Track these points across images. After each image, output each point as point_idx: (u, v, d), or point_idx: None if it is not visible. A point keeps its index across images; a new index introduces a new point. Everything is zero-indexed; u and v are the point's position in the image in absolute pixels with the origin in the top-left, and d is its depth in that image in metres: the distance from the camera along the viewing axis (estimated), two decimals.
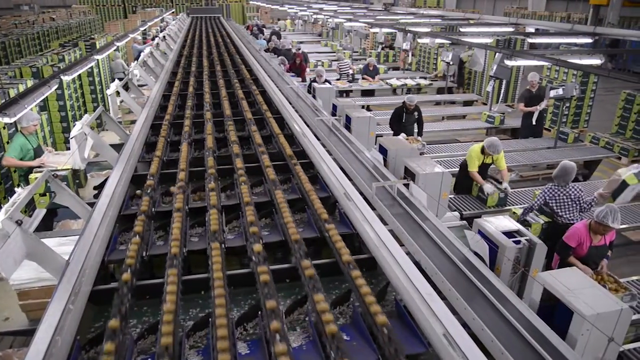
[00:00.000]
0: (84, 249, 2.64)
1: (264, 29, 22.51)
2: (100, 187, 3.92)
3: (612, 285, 4.10)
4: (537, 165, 8.02)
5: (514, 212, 5.38)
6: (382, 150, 4.84)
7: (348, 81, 12.41)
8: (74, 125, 5.42)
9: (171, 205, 3.28)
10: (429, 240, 2.94)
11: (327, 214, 3.10)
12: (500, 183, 6.15)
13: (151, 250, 2.96)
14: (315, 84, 7.97)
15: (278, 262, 3.02)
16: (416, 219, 3.18)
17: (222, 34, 14.95)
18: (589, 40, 11.78)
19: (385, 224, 3.14)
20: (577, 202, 5.08)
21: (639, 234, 6.32)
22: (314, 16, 21.34)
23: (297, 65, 12.27)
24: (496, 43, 12.44)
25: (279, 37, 17.60)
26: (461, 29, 14.20)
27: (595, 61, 8.41)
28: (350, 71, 12.67)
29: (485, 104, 11.43)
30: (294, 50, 13.35)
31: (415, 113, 8.06)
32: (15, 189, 4.55)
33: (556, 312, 2.60)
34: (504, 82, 10.30)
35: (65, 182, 4.83)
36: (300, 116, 5.59)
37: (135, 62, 10.28)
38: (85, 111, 10.54)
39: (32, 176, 4.89)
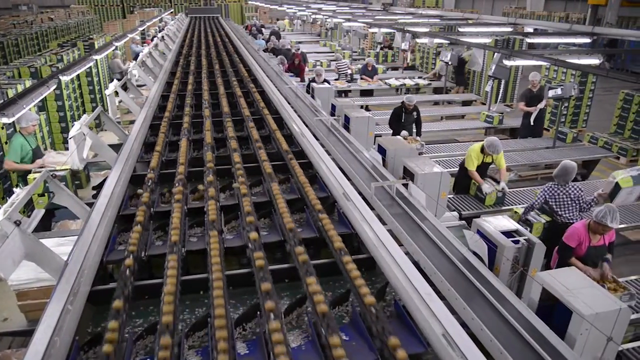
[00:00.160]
0: (83, 249, 2.64)
1: (262, 29, 22.50)
2: (99, 188, 3.91)
3: (610, 284, 4.11)
4: (535, 165, 8.03)
5: (516, 212, 5.40)
6: (381, 150, 4.84)
7: (346, 81, 12.42)
8: (72, 126, 5.42)
9: (170, 206, 3.28)
10: (428, 240, 2.94)
11: (324, 209, 3.11)
12: (499, 183, 6.16)
13: (150, 250, 2.96)
14: (314, 84, 7.97)
15: (277, 262, 3.02)
16: (415, 219, 3.18)
17: (220, 33, 14.96)
18: (587, 40, 11.80)
19: (384, 223, 3.14)
20: (577, 202, 5.08)
21: (638, 233, 6.33)
22: (313, 16, 21.34)
23: (295, 65, 12.27)
24: (495, 43, 12.46)
25: (278, 37, 17.59)
26: (460, 29, 14.20)
27: (594, 61, 8.43)
28: (349, 71, 12.67)
29: (484, 104, 11.45)
30: (293, 51, 13.34)
31: (414, 113, 8.07)
32: (14, 189, 4.54)
33: (555, 311, 2.60)
34: (503, 82, 10.31)
35: (64, 183, 4.82)
36: (299, 116, 5.59)
37: (134, 62, 10.28)
38: (84, 111, 10.52)
39: (30, 176, 4.89)
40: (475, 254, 2.93)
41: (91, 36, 15.12)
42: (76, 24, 23.77)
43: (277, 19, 30.53)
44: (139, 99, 7.95)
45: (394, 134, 7.75)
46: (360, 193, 3.56)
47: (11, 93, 6.56)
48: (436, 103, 12.60)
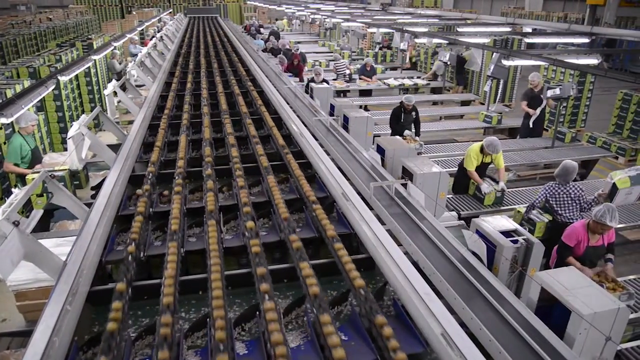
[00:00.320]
0: (82, 250, 2.64)
1: (261, 28, 22.50)
2: (97, 188, 3.91)
3: (609, 284, 4.11)
4: (534, 165, 8.04)
5: (519, 211, 5.42)
6: (380, 150, 4.84)
7: (345, 81, 12.42)
8: (71, 126, 5.42)
9: (169, 206, 3.28)
10: (426, 240, 2.94)
11: (323, 209, 3.12)
12: (497, 183, 6.17)
13: (149, 250, 2.95)
14: (312, 84, 7.97)
15: (276, 263, 3.02)
16: (414, 218, 3.18)
17: (219, 33, 14.95)
18: (585, 40, 11.82)
19: (383, 223, 3.14)
20: (578, 202, 5.10)
21: (636, 233, 6.34)
22: (312, 16, 21.34)
23: (294, 65, 12.28)
24: (493, 43, 12.47)
25: (277, 38, 17.59)
26: (458, 29, 14.22)
27: (592, 61, 8.44)
28: (347, 71, 12.67)
29: (483, 104, 11.46)
30: (292, 51, 13.34)
31: (413, 113, 8.08)
32: (13, 189, 4.54)
33: (554, 311, 2.61)
34: (502, 82, 10.32)
35: (63, 183, 4.81)
36: (298, 116, 5.59)
37: (132, 62, 10.27)
38: (83, 111, 10.51)
39: (29, 177, 4.88)
40: (474, 253, 2.93)
41: (90, 36, 15.10)
42: (75, 24, 23.73)
43: (276, 19, 30.53)
44: (138, 99, 7.94)
45: (393, 134, 7.76)
46: (359, 193, 3.56)
47: (10, 93, 6.55)
48: (435, 103, 12.61)
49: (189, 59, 9.58)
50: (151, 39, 14.96)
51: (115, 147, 4.97)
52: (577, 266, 4.16)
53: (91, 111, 7.43)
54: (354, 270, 2.45)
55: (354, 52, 17.99)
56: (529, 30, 13.87)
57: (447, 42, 11.26)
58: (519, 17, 20.61)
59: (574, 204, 5.10)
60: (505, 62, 8.56)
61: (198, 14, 23.64)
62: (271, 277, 2.42)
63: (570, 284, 2.62)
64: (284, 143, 4.51)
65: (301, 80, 11.42)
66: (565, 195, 5.08)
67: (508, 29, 14.06)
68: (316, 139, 4.79)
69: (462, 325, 2.20)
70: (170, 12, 28.33)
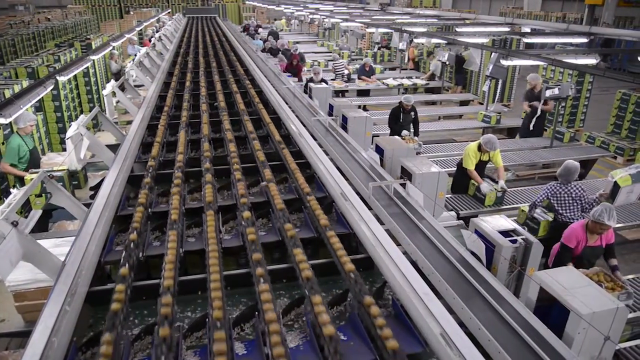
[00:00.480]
0: (80, 250, 2.63)
1: (259, 28, 22.48)
2: (96, 188, 3.90)
3: (608, 283, 4.12)
4: (533, 165, 8.05)
5: (523, 210, 5.45)
6: (379, 150, 4.85)
7: (344, 81, 12.42)
8: (69, 126, 5.41)
9: (168, 206, 3.29)
10: (425, 240, 2.94)
11: (322, 209, 3.12)
12: (497, 182, 6.18)
13: (148, 250, 2.95)
14: (311, 84, 7.97)
15: (275, 263, 3.02)
16: (413, 218, 3.18)
17: (217, 33, 14.94)
18: (584, 40, 11.83)
19: (382, 223, 3.14)
20: (579, 202, 5.11)
21: (635, 232, 6.35)
22: (311, 16, 21.33)
23: (293, 65, 12.28)
24: (492, 43, 12.48)
25: (276, 38, 17.58)
26: (457, 29, 14.23)
27: (591, 61, 8.46)
28: (346, 71, 12.68)
29: (482, 104, 11.47)
30: (291, 51, 13.34)
31: (412, 113, 8.08)
32: (11, 189, 4.53)
33: (553, 310, 2.61)
34: (500, 81, 10.33)
35: (62, 183, 4.81)
36: (297, 116, 5.59)
37: (130, 62, 10.26)
38: (81, 112, 10.50)
39: (28, 177, 4.88)
40: (473, 253, 2.94)
41: (88, 36, 15.08)
42: (73, 24, 23.71)
43: (274, 19, 30.52)
44: (137, 99, 7.94)
45: (392, 134, 7.76)
46: (358, 193, 3.56)
47: (8, 93, 6.54)
48: (433, 103, 12.62)
49: (187, 58, 9.57)
50: (150, 40, 14.95)
51: (114, 148, 4.95)
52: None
53: (90, 111, 7.43)
54: (347, 260, 2.54)
55: (353, 52, 18.00)
56: (528, 30, 13.88)
57: (445, 42, 11.28)
58: (518, 17, 20.62)
59: (575, 204, 5.11)
60: (504, 62, 8.57)
61: (197, 14, 23.61)
62: (270, 278, 2.42)
63: (569, 283, 2.62)
64: (280, 138, 4.62)
65: (300, 80, 11.42)
66: (566, 195, 5.10)
67: (507, 29, 14.07)
68: (315, 139, 4.80)
69: (461, 325, 2.20)
70: (168, 12, 28.31)
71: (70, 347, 2.09)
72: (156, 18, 22.45)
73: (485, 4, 29.13)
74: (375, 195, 3.51)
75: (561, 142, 8.51)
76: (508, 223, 3.63)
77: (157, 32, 15.97)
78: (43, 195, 4.16)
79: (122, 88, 7.71)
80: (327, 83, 9.20)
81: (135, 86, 8.90)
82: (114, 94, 7.45)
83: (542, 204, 5.29)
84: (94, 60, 9.50)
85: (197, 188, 3.80)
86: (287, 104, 6.12)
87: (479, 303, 2.37)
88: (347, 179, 3.82)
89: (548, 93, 8.21)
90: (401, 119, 8.05)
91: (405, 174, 4.39)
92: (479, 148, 6.06)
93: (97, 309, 2.56)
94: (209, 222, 2.92)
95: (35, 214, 4.34)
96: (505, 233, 3.49)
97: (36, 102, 5.83)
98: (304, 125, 5.24)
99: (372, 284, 2.86)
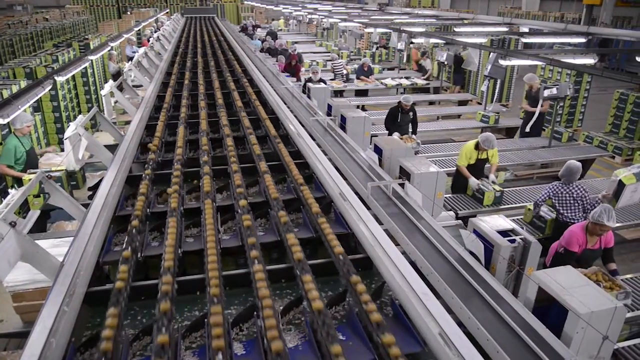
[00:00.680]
0: (79, 251, 2.63)
1: (258, 28, 22.47)
2: (94, 188, 3.90)
3: (606, 283, 4.12)
4: (531, 165, 8.05)
5: (529, 209, 5.50)
6: (377, 150, 4.85)
7: (342, 81, 12.42)
8: (68, 126, 5.39)
9: (166, 206, 3.29)
10: (424, 240, 2.95)
11: (321, 209, 3.12)
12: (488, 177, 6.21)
13: (146, 251, 2.95)
14: (310, 84, 7.96)
15: (274, 263, 3.02)
16: (411, 218, 3.18)
17: (216, 33, 14.93)
18: (582, 40, 11.84)
19: (380, 223, 3.14)
20: (580, 202, 5.11)
21: (633, 232, 6.36)
22: (309, 16, 21.32)
23: (292, 65, 12.28)
24: (490, 43, 12.48)
25: (275, 38, 17.57)
26: (455, 29, 14.23)
27: (589, 61, 8.46)
28: (344, 71, 12.67)
29: (480, 104, 11.47)
30: (289, 51, 13.33)
31: (410, 113, 8.08)
32: (9, 190, 4.52)
33: (551, 310, 2.61)
34: (499, 81, 10.33)
35: (60, 184, 4.80)
36: (295, 116, 5.59)
37: (127, 63, 10.25)
38: (80, 112, 10.48)
39: (26, 177, 4.86)
40: (471, 253, 2.94)
41: (86, 36, 15.05)
42: (71, 24, 23.67)
43: (272, 19, 30.49)
44: (135, 99, 7.93)
45: (390, 134, 7.76)
46: (356, 193, 3.56)
47: (6, 94, 6.53)
48: (431, 103, 12.62)
49: (186, 58, 9.57)
50: (148, 40, 14.93)
51: (112, 148, 4.95)
52: None
53: (88, 111, 7.42)
54: (337, 244, 2.70)
55: (352, 52, 18.00)
56: (526, 30, 13.89)
57: (444, 42, 11.27)
58: (516, 17, 20.65)
59: (576, 204, 5.12)
60: (502, 62, 8.57)
61: (195, 14, 23.61)
62: (269, 279, 2.42)
63: (568, 283, 2.62)
64: (276, 133, 4.83)
65: (298, 80, 11.42)
66: (567, 195, 5.10)
67: (505, 29, 14.07)
68: (314, 139, 4.79)
69: (460, 324, 2.20)
70: (167, 12, 28.26)
71: (68, 347, 2.09)
72: (154, 18, 22.41)
73: (483, 3, 29.15)
74: (374, 195, 3.51)
75: (559, 142, 8.51)
76: (506, 223, 3.63)
77: (156, 32, 15.95)
78: (41, 195, 4.15)
79: (120, 88, 7.70)
80: (325, 83, 9.20)
81: (134, 86, 8.89)
82: (112, 94, 7.44)
83: (540, 203, 5.30)
84: (92, 60, 9.48)
85: (195, 188, 3.80)
86: (285, 104, 6.12)
87: (478, 303, 2.37)
88: (345, 179, 3.82)
89: (546, 93, 8.21)
90: (399, 119, 8.04)
91: (404, 174, 4.39)
92: (477, 146, 6.09)
93: (96, 309, 2.56)
94: (207, 211, 3.09)
95: (34, 214, 4.33)
96: (504, 233, 3.48)
97: (34, 102, 5.82)
98: (303, 125, 5.24)
99: (370, 284, 2.86)
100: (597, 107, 12.23)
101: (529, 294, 2.79)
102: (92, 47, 11.73)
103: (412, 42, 13.40)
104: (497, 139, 6.37)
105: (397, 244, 2.89)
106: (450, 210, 5.75)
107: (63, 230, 4.50)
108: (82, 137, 4.92)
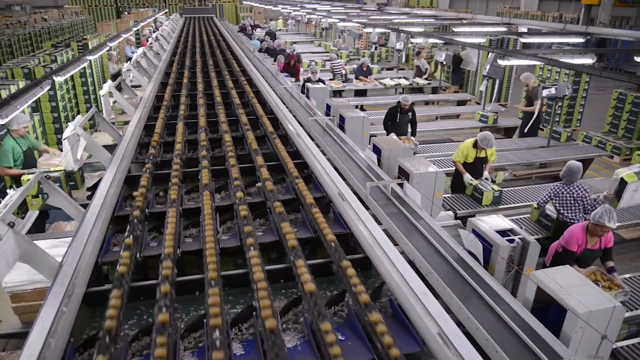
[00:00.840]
0: (78, 251, 2.63)
1: (257, 28, 22.45)
2: (93, 189, 3.89)
3: (605, 282, 4.13)
4: (530, 164, 8.06)
5: (535, 208, 5.55)
6: (376, 150, 4.84)
7: (341, 81, 12.42)
8: (66, 127, 5.38)
9: (165, 206, 3.28)
10: (423, 240, 2.95)
11: (320, 209, 3.12)
12: (493, 181, 6.21)
13: (145, 251, 2.94)
14: (309, 84, 7.96)
15: (273, 263, 3.02)
16: (410, 218, 3.18)
17: (215, 33, 14.92)
18: (580, 39, 11.85)
19: (379, 223, 3.14)
20: (581, 202, 5.12)
21: (632, 232, 6.36)
22: (307, 16, 21.32)
23: (290, 66, 12.27)
24: (489, 43, 12.49)
25: (273, 38, 17.56)
26: (454, 29, 14.23)
27: (587, 60, 8.47)
28: (343, 71, 12.67)
29: (479, 104, 11.47)
30: (288, 51, 13.33)
31: (409, 113, 8.09)
32: (8, 190, 4.51)
33: (550, 310, 2.61)
34: (497, 81, 10.34)
35: (58, 184, 4.79)
36: (294, 116, 5.59)
37: (126, 63, 10.24)
38: (78, 112, 10.47)
39: (24, 178, 4.85)
40: (470, 253, 2.94)
41: (85, 36, 15.04)
42: (70, 24, 23.65)
43: (270, 19, 30.48)
44: (134, 99, 7.92)
45: (388, 134, 7.75)
46: (355, 193, 3.56)
47: (4, 94, 6.52)
48: (426, 103, 12.61)
49: (184, 59, 9.56)
50: (147, 40, 14.91)
51: (111, 148, 4.94)
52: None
53: (87, 112, 7.40)
54: (329, 232, 2.83)
55: (351, 52, 18.01)
56: (525, 30, 13.90)
57: (443, 42, 11.28)
58: (515, 17, 20.67)
59: (577, 205, 5.12)
60: (501, 62, 8.58)
61: (194, 14, 23.58)
62: (269, 278, 2.42)
63: (566, 282, 2.62)
64: (273, 130, 4.95)
65: (297, 80, 11.41)
66: (568, 195, 5.11)
67: (504, 29, 14.08)
68: (312, 139, 4.79)
69: (459, 324, 2.21)
70: (165, 12, 28.23)
71: (67, 348, 2.09)
72: (153, 18, 22.39)
73: (482, 3, 29.18)
74: (373, 195, 3.51)
75: (558, 142, 8.52)
76: (505, 222, 3.63)
77: (154, 32, 15.93)
78: (40, 196, 4.14)
79: (119, 88, 7.69)
80: (324, 83, 9.20)
81: (132, 86, 8.88)
82: (110, 94, 7.42)
83: (542, 203, 5.32)
84: (90, 60, 9.47)
85: (195, 188, 3.80)
86: (284, 104, 6.11)
87: (477, 302, 2.37)
88: (344, 179, 3.82)
89: (545, 93, 8.22)
90: (398, 119, 8.05)
91: (403, 174, 4.39)
92: (475, 145, 6.10)
93: (95, 310, 2.55)
94: (205, 200, 3.22)
95: (32, 214, 4.33)
96: (503, 232, 3.48)
97: (33, 102, 5.81)
98: (302, 125, 5.24)
99: (369, 284, 2.86)
100: (596, 107, 12.25)
101: (528, 294, 2.79)
102: (90, 47, 11.72)
103: (411, 43, 13.40)
104: (495, 138, 6.38)
105: (396, 244, 2.89)
106: (449, 210, 5.76)
107: (62, 230, 4.49)
108: (80, 138, 4.92)
